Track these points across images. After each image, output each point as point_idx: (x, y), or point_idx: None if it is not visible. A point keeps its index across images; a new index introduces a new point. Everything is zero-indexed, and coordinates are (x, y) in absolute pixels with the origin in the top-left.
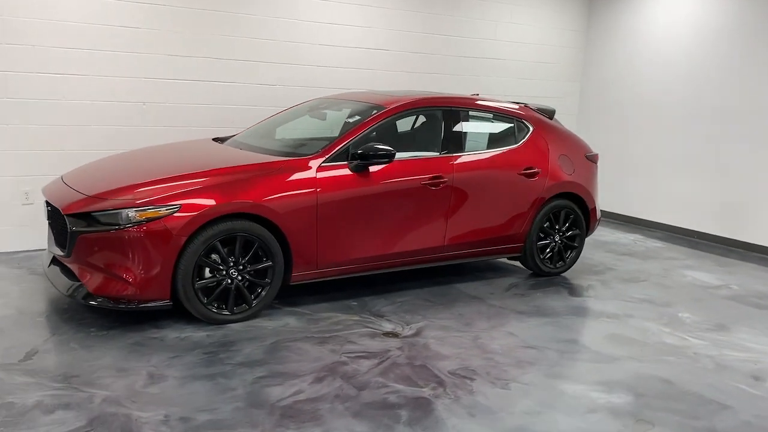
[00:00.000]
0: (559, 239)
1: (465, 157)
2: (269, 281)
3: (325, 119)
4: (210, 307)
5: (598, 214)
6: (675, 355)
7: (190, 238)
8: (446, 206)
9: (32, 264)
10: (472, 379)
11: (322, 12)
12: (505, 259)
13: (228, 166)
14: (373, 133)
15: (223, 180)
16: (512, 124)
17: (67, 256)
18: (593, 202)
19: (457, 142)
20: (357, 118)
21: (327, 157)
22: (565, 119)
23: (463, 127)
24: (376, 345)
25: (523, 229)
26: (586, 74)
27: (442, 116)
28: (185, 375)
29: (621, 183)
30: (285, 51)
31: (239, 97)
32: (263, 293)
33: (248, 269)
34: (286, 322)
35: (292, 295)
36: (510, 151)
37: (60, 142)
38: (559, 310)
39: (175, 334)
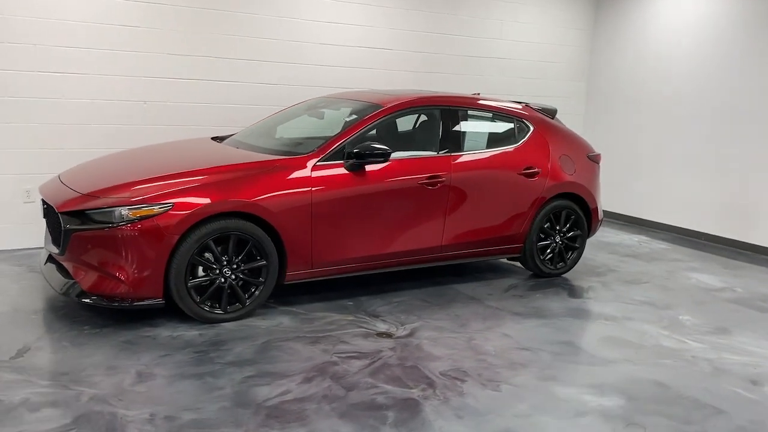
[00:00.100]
0: (560, 240)
1: (463, 157)
2: (263, 280)
3: (323, 118)
4: (203, 305)
5: (601, 214)
6: (672, 358)
7: (183, 237)
8: (444, 206)
9: (32, 262)
10: (462, 381)
11: (324, 11)
12: (505, 260)
13: (222, 164)
14: (370, 133)
15: (217, 179)
16: (512, 124)
17: (62, 254)
18: (595, 202)
19: (456, 141)
20: (354, 117)
21: (322, 156)
22: (570, 119)
23: (462, 126)
24: (368, 345)
25: (523, 229)
26: (592, 73)
27: (441, 115)
28: (174, 374)
29: (627, 183)
30: (287, 50)
31: (241, 96)
32: (257, 292)
33: (242, 268)
34: (279, 321)
35: (287, 295)
36: (510, 150)
37: (61, 141)
38: (557, 312)
39: (167, 332)
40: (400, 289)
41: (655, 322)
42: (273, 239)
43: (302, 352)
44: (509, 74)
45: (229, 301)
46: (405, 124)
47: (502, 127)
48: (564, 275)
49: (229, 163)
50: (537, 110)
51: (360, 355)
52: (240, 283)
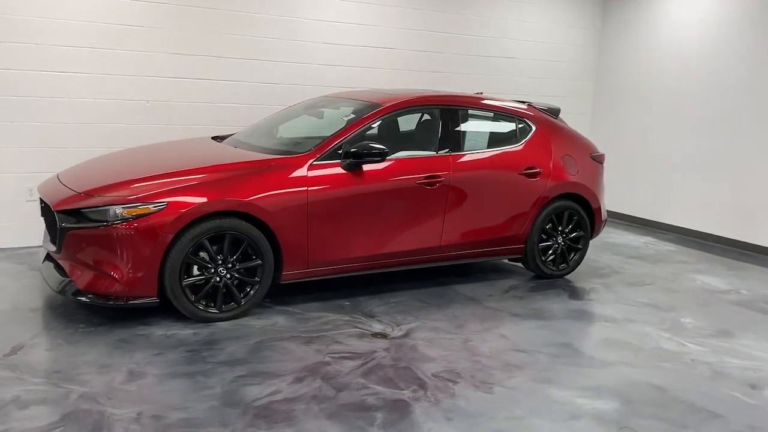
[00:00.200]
0: (562, 241)
1: (463, 157)
2: (258, 280)
3: (322, 118)
4: (197, 304)
5: (604, 215)
6: (671, 362)
7: (177, 236)
8: (442, 206)
9: (34, 260)
10: (455, 383)
11: (328, 10)
12: (508, 261)
13: (218, 164)
14: (367, 132)
15: (212, 178)
16: (514, 123)
17: (58, 252)
18: (598, 203)
19: (455, 141)
20: (352, 116)
21: (319, 155)
22: (577, 119)
23: (462, 126)
24: (362, 346)
25: (524, 230)
26: (599, 73)
27: (440, 115)
28: (165, 372)
29: (635, 184)
30: (291, 49)
31: (244, 95)
32: (252, 292)
33: (237, 268)
34: (275, 321)
35: (285, 294)
36: (511, 150)
37: (64, 140)
38: (557, 314)
39: (161, 331)
40: (398, 290)
41: (657, 324)
42: (269, 239)
43: (295, 352)
44: (515, 73)
45: (224, 300)
46: (405, 123)
47: (503, 126)
48: (566, 276)
49: (225, 163)
50: (540, 110)
51: (353, 356)
52: (235, 282)
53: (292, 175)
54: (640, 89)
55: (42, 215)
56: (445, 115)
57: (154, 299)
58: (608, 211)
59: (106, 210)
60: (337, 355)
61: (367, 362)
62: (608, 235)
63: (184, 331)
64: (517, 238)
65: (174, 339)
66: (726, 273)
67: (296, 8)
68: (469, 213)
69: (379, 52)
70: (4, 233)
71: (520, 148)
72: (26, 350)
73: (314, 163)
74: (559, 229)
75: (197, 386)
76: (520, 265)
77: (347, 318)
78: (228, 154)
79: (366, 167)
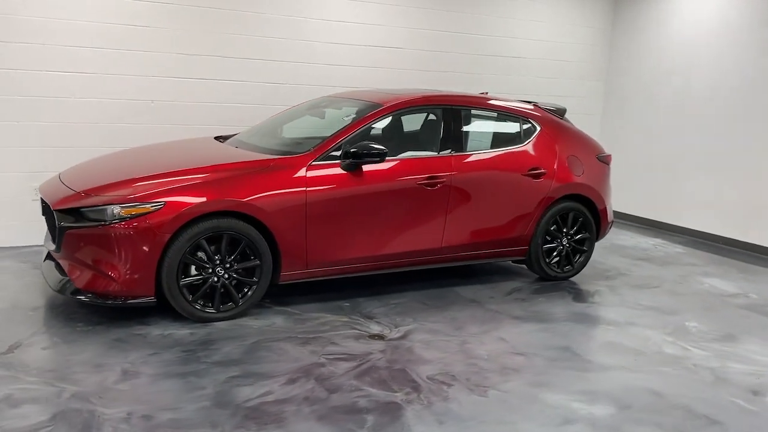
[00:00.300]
0: (567, 242)
1: (465, 157)
2: (257, 280)
3: (324, 118)
4: (195, 304)
5: (610, 217)
6: (672, 366)
7: (174, 236)
8: (444, 207)
9: (37, 259)
10: (449, 385)
11: (334, 10)
12: (513, 263)
13: (216, 164)
14: (368, 132)
15: (210, 178)
16: (518, 124)
17: (57, 251)
18: (604, 204)
19: (457, 141)
20: (353, 116)
21: (318, 156)
22: (587, 119)
23: (464, 126)
24: (359, 347)
25: (528, 231)
26: (610, 73)
27: (442, 115)
28: (159, 372)
29: (645, 185)
30: (296, 49)
31: (249, 95)
32: (250, 292)
33: (235, 268)
34: (272, 321)
35: (285, 295)
36: (514, 151)
37: (69, 140)
38: (559, 316)
39: (159, 331)
40: (399, 291)
41: (660, 328)
42: (267, 239)
43: (291, 352)
44: (523, 73)
45: (222, 300)
46: (407, 123)
47: (506, 126)
48: (571, 279)
49: (224, 163)
50: (546, 110)
51: (348, 357)
52: (233, 282)
53: (290, 176)
54: (651, 89)
55: (43, 214)
56: (447, 115)
57: (152, 299)
58: (618, 213)
59: (103, 209)
60: (332, 357)
61: (362, 364)
62: (617, 237)
63: (182, 331)
64: (520, 240)
65: (170, 339)
66: (735, 276)
67: (302, 8)
68: (471, 214)
69: (385, 51)
70: (8, 232)
71: (524, 148)
72: (23, 349)
73: (313, 163)
74: (564, 230)
75: (190, 386)
76: (523, 266)
77: (345, 319)
78: (228, 154)
79: (366, 168)
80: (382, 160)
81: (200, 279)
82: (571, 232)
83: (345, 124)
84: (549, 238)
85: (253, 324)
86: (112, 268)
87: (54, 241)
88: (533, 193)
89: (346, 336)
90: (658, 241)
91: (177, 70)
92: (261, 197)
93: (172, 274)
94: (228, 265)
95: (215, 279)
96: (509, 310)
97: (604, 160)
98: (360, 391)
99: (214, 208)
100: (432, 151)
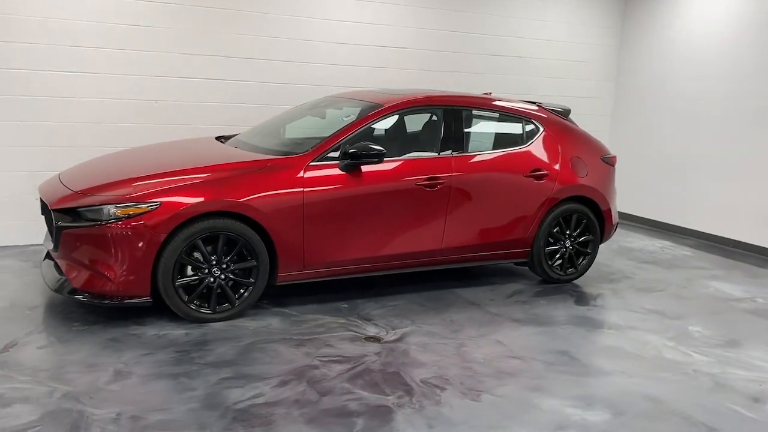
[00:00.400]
0: (570, 245)
1: (465, 158)
2: (253, 281)
3: (324, 117)
4: (190, 305)
5: (615, 219)
6: (671, 372)
7: (170, 236)
8: (444, 208)
9: (39, 258)
10: (442, 389)
11: (339, 9)
12: (514, 265)
13: (214, 164)
14: (367, 132)
15: (207, 178)
16: (520, 124)
17: (55, 250)
18: (608, 206)
19: (458, 142)
20: (353, 116)
21: (316, 156)
22: (597, 120)
23: (465, 126)
24: (354, 349)
25: (530, 233)
26: (620, 73)
27: (443, 116)
28: (151, 373)
29: (655, 187)
30: (300, 49)
31: (253, 95)
32: (246, 293)
33: (231, 268)
34: (269, 322)
35: (283, 296)
36: (516, 152)
37: (73, 139)
38: (559, 319)
39: (154, 331)
40: (398, 293)
41: (661, 332)
42: (264, 239)
43: (284, 354)
44: (531, 73)
45: (218, 301)
46: (407, 124)
47: (508, 127)
48: (574, 281)
49: (221, 163)
50: (550, 110)
51: (342, 360)
52: (230, 283)
53: (287, 176)
54: (662, 90)
55: (42, 213)
56: (448, 115)
57: (147, 299)
58: (626, 215)
59: (100, 209)
60: (326, 359)
61: (356, 366)
62: (625, 239)
63: (177, 332)
64: (522, 242)
65: (165, 339)
66: (743, 280)
67: (306, 8)
68: (472, 215)
69: (390, 51)
70: (12, 230)
71: (527, 149)
72: (18, 348)
73: (311, 164)
74: (567, 232)
75: (181, 387)
76: (527, 269)
77: (342, 321)
78: (226, 154)
79: (365, 168)
80: (380, 161)
81: (196, 279)
82: (575, 234)
83: (344, 125)
84: (552, 240)
85: (249, 325)
86: (108, 268)
87: (52, 240)
88: (535, 195)
89: (342, 338)
90: (666, 243)
91: (181, 70)
92: (257, 198)
93: (167, 274)
94: (224, 266)
95: (211, 279)
96: (509, 312)
97: (609, 162)
98: (351, 394)
99: (210, 208)
100: (432, 151)
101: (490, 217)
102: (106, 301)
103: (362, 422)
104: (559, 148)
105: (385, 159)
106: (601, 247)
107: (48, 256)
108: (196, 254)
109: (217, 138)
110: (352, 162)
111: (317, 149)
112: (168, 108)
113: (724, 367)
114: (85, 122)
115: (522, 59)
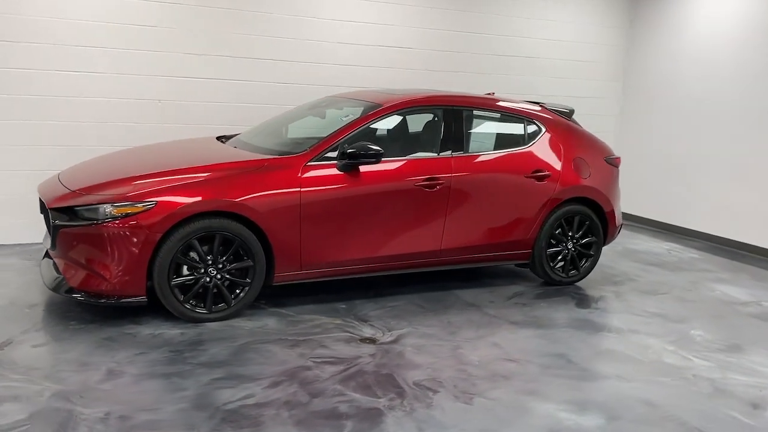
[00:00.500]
0: (572, 246)
1: (465, 158)
2: (250, 281)
3: (324, 117)
4: (186, 304)
5: (619, 220)
6: (670, 376)
7: (166, 236)
8: (443, 209)
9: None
10: (435, 392)
11: (344, 10)
12: (516, 266)
13: (211, 164)
14: (366, 132)
15: (204, 178)
16: (522, 125)
17: (53, 249)
18: (611, 207)
19: (458, 142)
20: (352, 116)
21: (314, 156)
22: (604, 121)
23: (465, 127)
24: (348, 351)
25: (531, 234)
26: (628, 73)
27: (443, 116)
28: (143, 372)
29: (663, 188)
30: (304, 49)
31: (258, 95)
32: (242, 293)
33: (228, 268)
34: (265, 322)
35: (281, 296)
36: (517, 152)
37: (77, 139)
38: (558, 322)
39: (149, 330)
40: (397, 294)
41: (663, 336)
42: (260, 239)
43: (278, 355)
44: (537, 73)
45: (215, 300)
46: (406, 124)
47: (510, 128)
48: (577, 284)
49: (218, 163)
50: (553, 111)
51: (336, 361)
52: (226, 283)
53: (284, 176)
54: (670, 90)
55: (41, 212)
56: (448, 115)
57: (143, 298)
58: (633, 216)
59: (96, 208)
60: (319, 360)
61: (349, 368)
62: (631, 241)
63: (172, 331)
64: (523, 243)
65: (160, 339)
66: (749, 283)
67: (310, 8)
68: (472, 216)
69: (395, 51)
70: (15, 229)
71: (529, 150)
72: (13, 346)
73: (309, 164)
74: (570, 234)
75: (172, 387)
76: (530, 270)
77: (339, 321)
78: (225, 154)
79: (363, 168)
80: (378, 161)
81: (192, 279)
82: (577, 235)
83: (342, 124)
84: (554, 242)
85: (245, 325)
86: (104, 267)
87: (50, 239)
88: (537, 196)
89: (337, 339)
90: (673, 245)
91: (185, 70)
92: (254, 197)
93: (163, 273)
94: (220, 266)
95: (207, 279)
96: (508, 314)
97: (613, 163)
98: (343, 396)
99: (205, 208)
100: (432, 152)
101: (490, 218)
102: (102, 301)
103: (351, 424)
104: (562, 148)
105: (383, 159)
106: (606, 248)
107: (47, 255)
108: (192, 254)
109: (218, 138)
110: (349, 162)
111: (315, 149)
112: (172, 108)
113: (725, 372)
114: (89, 122)
115: (528, 59)
